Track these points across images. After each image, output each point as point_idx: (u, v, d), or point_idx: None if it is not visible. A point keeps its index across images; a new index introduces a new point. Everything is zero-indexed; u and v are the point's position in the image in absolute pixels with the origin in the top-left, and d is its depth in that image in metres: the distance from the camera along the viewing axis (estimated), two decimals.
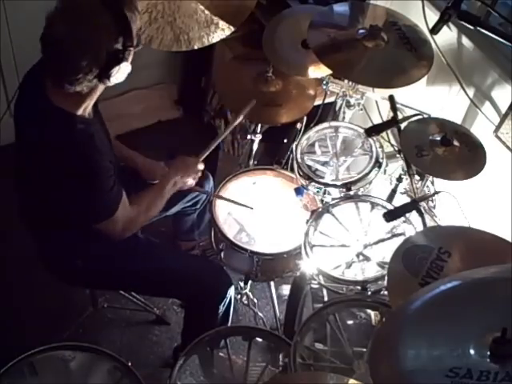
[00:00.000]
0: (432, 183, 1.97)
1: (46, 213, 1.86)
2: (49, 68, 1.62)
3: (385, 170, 2.14)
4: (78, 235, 1.86)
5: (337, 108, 2.39)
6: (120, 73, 1.60)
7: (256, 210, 2.21)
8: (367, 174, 2.10)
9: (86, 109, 1.68)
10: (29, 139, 1.75)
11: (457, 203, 1.87)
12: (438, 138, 1.86)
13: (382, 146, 2.15)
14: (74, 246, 1.91)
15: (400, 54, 2.00)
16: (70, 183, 1.68)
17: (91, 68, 1.53)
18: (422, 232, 1.73)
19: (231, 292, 2.11)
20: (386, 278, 1.64)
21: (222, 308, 2.10)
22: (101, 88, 1.66)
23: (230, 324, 2.23)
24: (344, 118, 2.34)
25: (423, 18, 2.10)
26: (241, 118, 2.19)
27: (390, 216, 1.79)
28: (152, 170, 2.14)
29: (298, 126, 2.31)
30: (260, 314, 2.47)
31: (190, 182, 2.07)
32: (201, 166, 2.09)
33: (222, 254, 2.20)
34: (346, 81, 2.24)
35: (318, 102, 2.36)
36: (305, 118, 2.30)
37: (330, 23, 2.07)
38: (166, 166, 2.13)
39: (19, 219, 1.95)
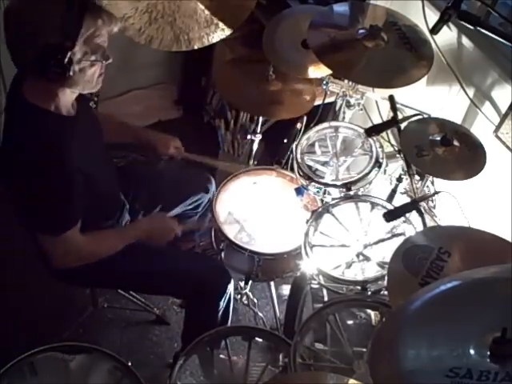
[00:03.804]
0: (432, 183, 1.97)
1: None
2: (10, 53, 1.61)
3: (385, 170, 2.13)
4: None
5: (337, 108, 2.39)
6: (80, 77, 1.60)
7: (256, 210, 2.21)
8: (367, 174, 2.10)
9: (59, 106, 1.66)
10: (5, 135, 1.73)
11: (457, 203, 1.87)
12: (438, 138, 1.86)
13: (382, 146, 2.15)
14: None
15: (400, 54, 2.00)
16: (31, 182, 1.65)
17: (29, 49, 1.53)
18: (422, 232, 1.73)
19: (231, 287, 2.11)
20: (386, 278, 1.63)
21: (222, 304, 2.10)
22: (63, 88, 1.63)
23: (229, 324, 2.23)
24: (344, 117, 2.34)
25: (423, 17, 2.10)
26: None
27: (390, 216, 1.79)
28: (166, 143, 2.16)
29: (298, 126, 2.31)
30: (260, 314, 2.47)
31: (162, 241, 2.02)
32: (178, 229, 2.03)
33: (223, 254, 2.20)
34: (345, 81, 2.24)
35: (318, 102, 2.36)
36: (305, 118, 2.30)
37: (330, 23, 2.07)
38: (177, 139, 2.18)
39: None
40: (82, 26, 1.55)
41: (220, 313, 2.13)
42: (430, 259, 1.52)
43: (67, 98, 1.68)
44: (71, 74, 1.57)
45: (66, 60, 1.54)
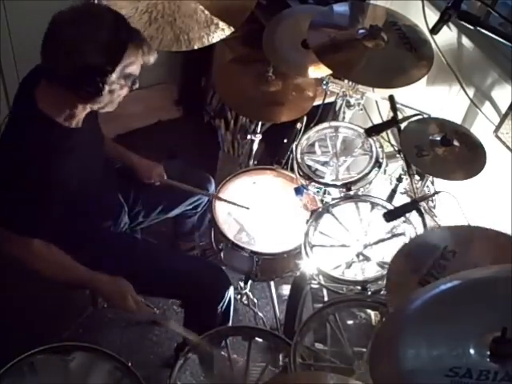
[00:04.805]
0: (432, 183, 1.97)
1: None
2: (42, 61, 1.61)
3: (385, 170, 2.14)
4: (72, 236, 1.84)
5: (337, 108, 2.39)
6: (107, 98, 1.61)
7: (256, 210, 2.21)
8: (367, 174, 2.10)
9: (71, 118, 1.67)
10: (5, 137, 1.73)
11: (457, 203, 1.87)
12: (438, 138, 1.86)
13: (382, 146, 2.15)
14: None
15: (400, 54, 2.00)
16: (19, 185, 1.64)
17: (67, 64, 1.53)
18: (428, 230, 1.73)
19: (230, 293, 2.11)
20: (386, 274, 1.62)
21: (220, 309, 2.09)
22: (85, 105, 1.65)
23: (230, 324, 2.23)
24: (344, 117, 2.34)
25: (423, 18, 2.10)
26: None
27: (390, 216, 1.79)
28: (148, 170, 2.14)
29: (298, 126, 2.31)
30: (260, 314, 2.47)
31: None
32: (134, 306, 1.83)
33: (222, 254, 2.20)
34: (345, 81, 2.24)
35: (318, 102, 2.36)
36: (305, 118, 2.30)
37: (330, 23, 2.07)
38: (161, 166, 2.13)
39: None
40: (125, 53, 1.56)
41: (219, 316, 2.12)
42: (434, 258, 1.52)
43: (84, 112, 1.69)
44: (102, 94, 1.59)
45: (102, 83, 1.56)
